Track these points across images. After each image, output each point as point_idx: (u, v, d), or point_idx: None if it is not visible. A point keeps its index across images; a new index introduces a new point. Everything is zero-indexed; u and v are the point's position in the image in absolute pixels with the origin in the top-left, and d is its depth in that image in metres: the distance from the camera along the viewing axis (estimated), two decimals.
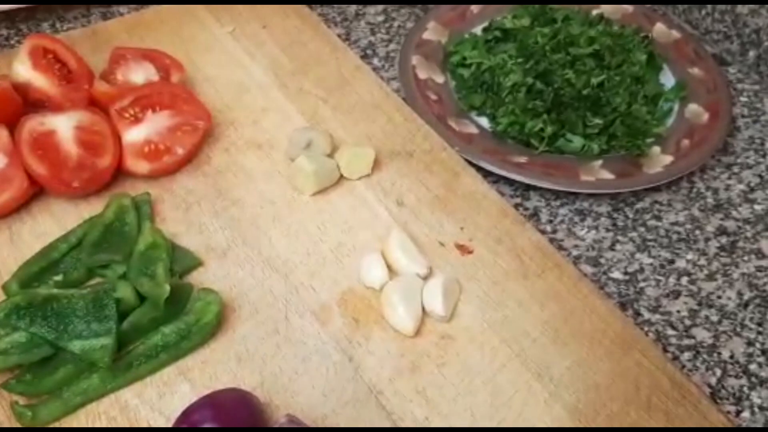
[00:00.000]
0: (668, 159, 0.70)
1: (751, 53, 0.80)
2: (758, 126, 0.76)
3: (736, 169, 0.72)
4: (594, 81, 0.72)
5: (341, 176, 0.65)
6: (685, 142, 0.71)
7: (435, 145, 0.69)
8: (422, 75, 0.76)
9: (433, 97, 0.74)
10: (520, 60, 0.74)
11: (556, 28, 0.77)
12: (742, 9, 0.79)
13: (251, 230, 0.61)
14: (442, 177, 0.66)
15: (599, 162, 0.69)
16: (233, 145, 0.67)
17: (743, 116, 0.77)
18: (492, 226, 0.63)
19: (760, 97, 0.79)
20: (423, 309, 0.56)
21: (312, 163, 0.63)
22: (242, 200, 0.63)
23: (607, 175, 0.68)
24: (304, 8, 0.81)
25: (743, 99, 0.79)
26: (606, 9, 0.84)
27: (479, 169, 0.68)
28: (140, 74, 0.68)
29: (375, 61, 0.81)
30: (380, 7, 0.86)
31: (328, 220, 0.62)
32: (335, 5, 0.86)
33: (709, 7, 0.83)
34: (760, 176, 0.72)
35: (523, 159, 0.69)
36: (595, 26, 0.79)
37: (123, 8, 0.83)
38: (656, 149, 0.71)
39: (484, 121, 0.73)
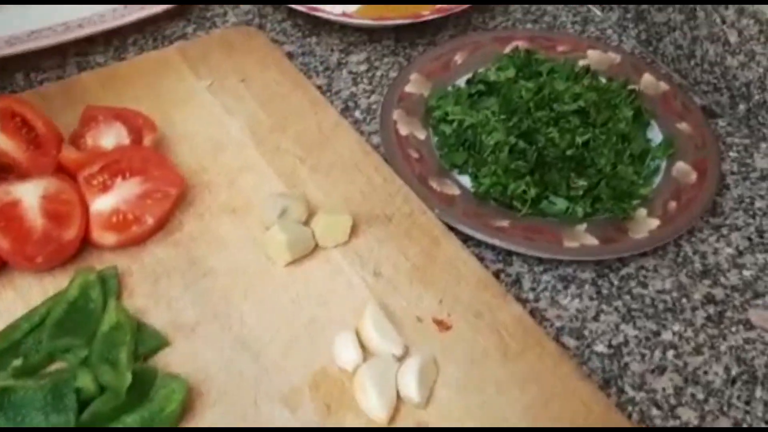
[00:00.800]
0: (654, 223, 0.68)
1: (741, 106, 0.79)
2: (748, 183, 0.75)
3: (724, 231, 0.71)
4: (579, 140, 0.71)
5: (317, 245, 0.63)
6: (672, 204, 0.70)
7: (415, 208, 0.67)
8: (404, 131, 0.74)
9: (415, 154, 0.72)
10: (503, 117, 0.72)
11: (540, 82, 0.76)
12: (732, 61, 0.77)
13: (222, 304, 0.59)
14: (422, 243, 0.64)
15: (583, 226, 0.68)
16: (207, 210, 0.65)
17: (732, 173, 0.76)
18: (472, 298, 0.61)
19: (750, 152, 0.77)
20: (398, 393, 0.54)
21: (286, 232, 0.61)
22: (214, 270, 0.61)
23: (592, 241, 0.66)
24: (284, 60, 0.79)
25: (732, 154, 0.77)
26: (593, 59, 0.82)
27: (460, 233, 0.66)
28: (111, 137, 0.66)
29: (357, 113, 0.79)
30: (363, 56, 0.85)
31: (302, 292, 0.60)
32: (318, 56, 0.84)
33: (698, 57, 0.81)
34: (749, 239, 0.70)
35: (505, 223, 0.67)
36: (581, 80, 0.77)
37: (100, 57, 0.82)
38: (642, 212, 0.69)
39: (466, 180, 0.72)
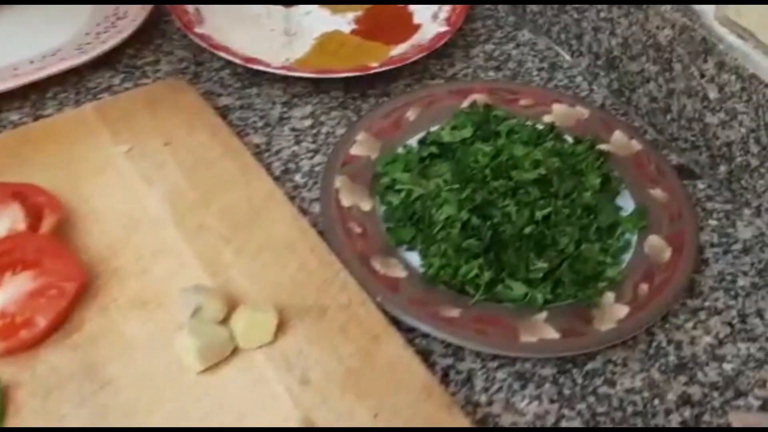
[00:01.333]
0: (623, 310, 0.60)
1: (722, 167, 0.71)
2: (729, 258, 0.67)
3: (702, 316, 0.63)
4: (539, 214, 0.63)
5: (237, 347, 0.55)
6: (644, 287, 0.62)
7: (353, 297, 0.59)
8: (346, 201, 0.66)
9: (357, 229, 0.65)
10: (455, 186, 0.65)
11: (498, 145, 0.68)
12: (712, 119, 0.70)
13: (123, 421, 0.51)
14: (359, 342, 0.56)
15: (543, 315, 0.60)
16: (114, 303, 0.58)
17: (712, 245, 0.68)
18: (413, 411, 0.53)
19: (732, 220, 0.70)
20: None
21: (197, 336, 0.53)
22: (116, 380, 0.53)
23: (552, 334, 0.59)
24: (215, 119, 0.71)
25: (713, 222, 0.70)
26: (558, 114, 0.74)
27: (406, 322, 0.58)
28: (5, 221, 0.58)
29: (297, 177, 0.71)
30: (308, 109, 0.77)
31: (216, 406, 0.52)
32: (257, 110, 0.76)
33: (675, 112, 0.73)
34: (731, 324, 0.62)
35: (455, 312, 0.60)
36: (544, 141, 0.70)
37: (15, 114, 0.74)
38: (609, 297, 0.61)
39: (414, 257, 0.64)
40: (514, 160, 0.66)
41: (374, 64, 0.75)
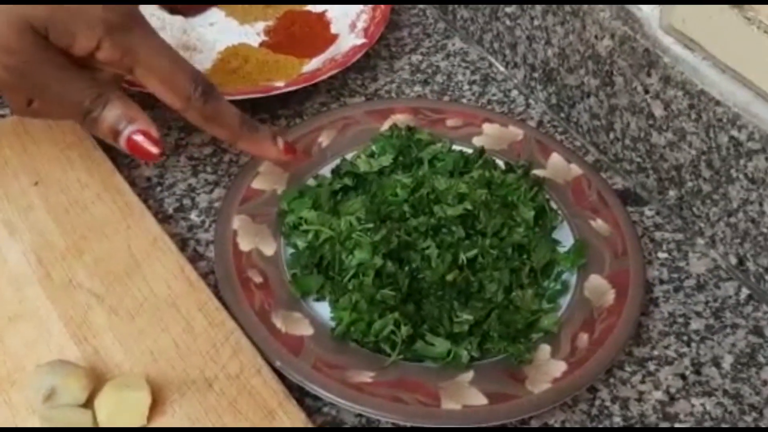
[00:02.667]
0: (561, 367, 0.53)
1: (671, 192, 0.64)
2: (681, 296, 0.60)
3: (652, 367, 0.56)
4: (463, 257, 0.55)
5: None
6: (584, 337, 0.54)
7: (247, 364, 0.50)
8: (246, 245, 0.58)
9: (257, 279, 0.56)
10: (369, 226, 0.56)
11: (419, 177, 0.60)
12: (659, 139, 0.62)
13: None
14: (252, 420, 0.48)
15: (469, 375, 0.52)
16: None
17: (662, 281, 0.61)
18: None
19: (684, 251, 0.62)
20: None
21: (50, 424, 0.44)
22: None
23: (478, 399, 0.51)
24: (97, 152, 0.62)
25: (662, 255, 0.62)
26: (490, 135, 0.66)
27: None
28: None
29: (193, 214, 0.62)
30: (207, 136, 0.68)
31: None
32: None
33: (618, 130, 0.66)
34: (683, 377, 0.55)
35: (368, 376, 0.51)
36: (471, 169, 0.61)
37: None
38: (545, 350, 0.54)
39: (324, 309, 0.55)
40: (436, 193, 0.58)
41: (279, 83, 0.66)
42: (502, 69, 0.75)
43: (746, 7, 0.55)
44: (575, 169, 0.65)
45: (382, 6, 0.72)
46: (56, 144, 0.62)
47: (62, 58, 0.50)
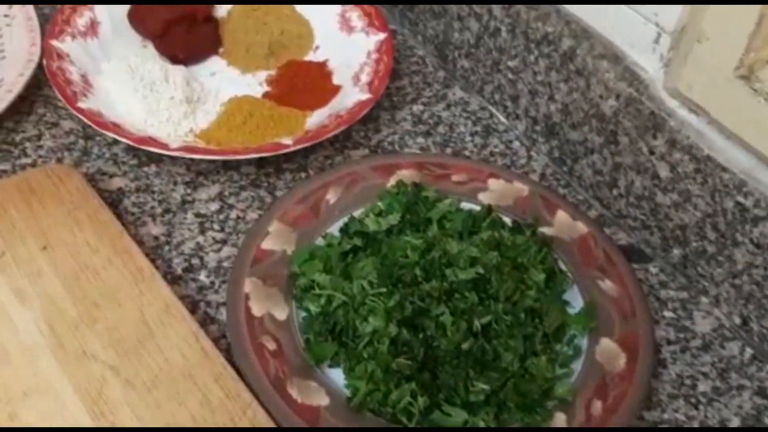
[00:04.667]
0: None
1: (676, 251, 0.65)
2: (688, 357, 0.61)
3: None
4: (477, 324, 0.55)
5: None
6: (597, 404, 0.55)
7: None
8: (258, 309, 0.58)
9: (271, 345, 0.56)
10: (382, 290, 0.56)
11: (429, 238, 0.60)
12: (664, 199, 0.63)
13: None
14: None
15: None
16: None
17: (669, 342, 0.61)
18: None
19: (689, 310, 0.63)
20: None
21: None
22: None
23: None
24: (104, 212, 0.61)
25: (668, 314, 0.63)
26: (495, 191, 0.67)
27: None
28: None
29: (202, 275, 0.62)
30: (214, 190, 0.68)
31: None
32: (156, 192, 0.67)
33: (623, 187, 0.67)
34: None
35: None
36: (480, 228, 0.62)
37: None
38: (560, 418, 0.54)
39: (338, 375, 0.55)
40: (447, 257, 0.58)
41: (287, 141, 0.66)
42: (503, 120, 0.76)
43: (753, 78, 0.56)
44: (581, 227, 0.65)
45: (386, 59, 0.72)
46: (62, 203, 0.61)
47: None
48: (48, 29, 0.72)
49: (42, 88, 0.73)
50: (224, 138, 0.68)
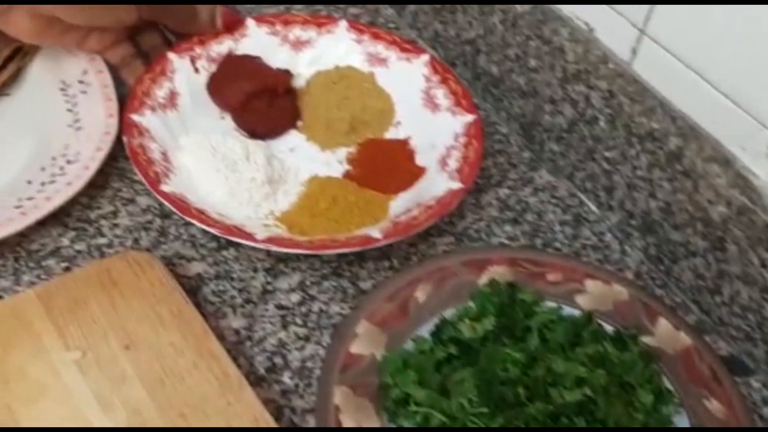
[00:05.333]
0: None
1: None
2: None
3: None
4: None
5: None
6: None
7: None
8: (349, 423, 0.54)
9: None
10: (484, 410, 0.53)
11: (530, 351, 0.57)
12: None
13: None
14: None
15: None
16: None
17: None
18: None
19: None
20: None
21: None
22: None
23: None
24: (189, 309, 0.58)
25: None
26: (593, 293, 0.63)
27: None
28: None
29: (286, 376, 0.59)
30: (295, 278, 0.65)
31: None
32: (236, 279, 0.64)
33: (726, 296, 0.63)
34: None
35: None
36: (581, 338, 0.59)
37: None
38: None
39: None
40: (552, 375, 0.55)
41: (376, 234, 0.63)
42: (594, 209, 0.73)
43: None
44: (684, 338, 0.62)
45: (475, 144, 0.69)
46: (145, 297, 0.58)
47: None
48: (127, 101, 0.68)
49: (117, 160, 0.70)
50: (308, 225, 0.65)
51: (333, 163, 0.72)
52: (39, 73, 0.73)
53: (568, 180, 0.74)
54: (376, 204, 0.68)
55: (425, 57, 0.75)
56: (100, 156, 0.66)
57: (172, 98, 0.71)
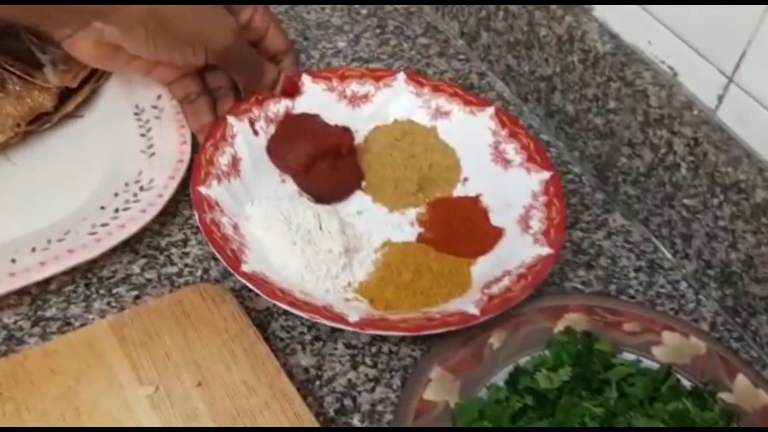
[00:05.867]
0: None
1: None
2: None
3: None
4: None
5: None
6: None
7: None
8: None
9: None
10: None
11: (610, 406, 0.55)
12: None
13: None
14: None
15: None
16: None
17: None
18: None
19: None
20: None
21: None
22: None
23: None
24: (262, 346, 0.58)
25: None
26: (671, 346, 0.62)
27: None
28: None
29: (356, 419, 0.58)
30: None
31: None
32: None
33: None
34: None
35: None
36: (660, 393, 0.57)
37: (9, 316, 0.60)
38: None
39: None
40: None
41: (473, 310, 0.59)
42: (669, 256, 0.71)
43: None
44: (763, 396, 0.60)
45: (557, 203, 0.66)
46: (218, 333, 0.58)
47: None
48: (193, 172, 0.64)
49: (188, 186, 0.69)
50: (393, 298, 0.62)
51: (404, 226, 0.69)
52: (113, 96, 0.73)
53: (642, 224, 0.73)
54: (458, 271, 0.65)
55: (490, 109, 0.72)
56: (174, 184, 0.66)
57: (235, 164, 0.67)
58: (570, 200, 0.74)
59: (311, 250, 0.62)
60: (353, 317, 0.58)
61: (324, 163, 0.68)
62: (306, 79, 0.73)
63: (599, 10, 0.73)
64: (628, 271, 0.70)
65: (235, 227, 0.63)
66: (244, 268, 0.59)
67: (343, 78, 0.74)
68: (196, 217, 0.61)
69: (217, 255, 0.59)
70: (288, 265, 0.62)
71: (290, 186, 0.69)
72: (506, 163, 0.70)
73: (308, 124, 0.70)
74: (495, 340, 0.61)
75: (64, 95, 0.71)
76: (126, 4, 0.59)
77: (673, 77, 0.68)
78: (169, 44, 0.62)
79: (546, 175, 0.68)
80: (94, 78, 0.72)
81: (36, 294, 0.62)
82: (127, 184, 0.66)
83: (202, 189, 0.63)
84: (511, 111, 0.81)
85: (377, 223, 0.68)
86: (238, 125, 0.68)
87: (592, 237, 0.72)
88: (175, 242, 0.67)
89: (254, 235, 0.63)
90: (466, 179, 0.71)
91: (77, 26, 0.60)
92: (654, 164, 0.69)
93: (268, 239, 0.63)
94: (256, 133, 0.69)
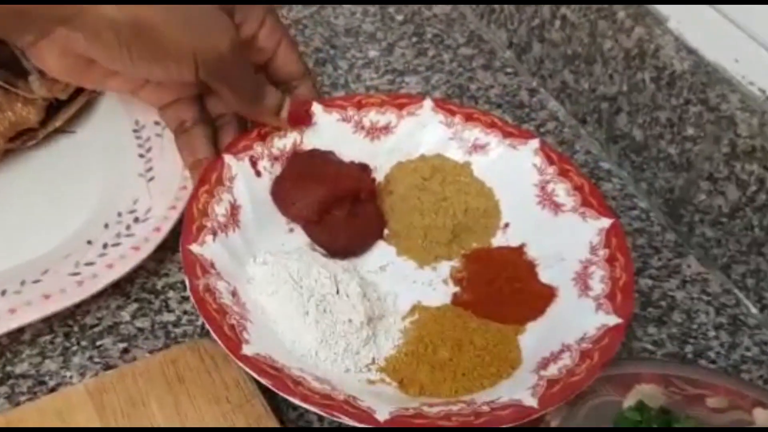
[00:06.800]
0: None
1: None
2: None
3: None
4: None
5: None
6: None
7: None
8: None
9: None
10: None
11: None
12: None
13: None
14: None
15: None
16: None
17: None
18: None
19: None
20: None
21: None
22: None
23: None
24: (269, 418, 0.48)
25: None
26: (764, 423, 0.51)
27: None
28: None
29: None
30: None
31: None
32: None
33: None
34: None
35: None
36: None
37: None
38: None
39: None
40: None
41: (531, 403, 0.47)
42: (754, 311, 0.60)
43: None
44: None
45: (621, 258, 0.54)
46: (218, 402, 0.48)
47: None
48: (183, 225, 0.52)
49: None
50: (428, 382, 0.50)
51: (437, 284, 0.57)
52: (109, 109, 0.64)
53: (722, 272, 0.62)
54: (505, 343, 0.53)
55: (534, 143, 0.60)
56: (175, 215, 0.56)
57: (234, 214, 0.55)
58: (636, 241, 0.64)
59: (327, 320, 0.51)
60: (382, 413, 0.46)
61: (340, 211, 0.57)
62: (317, 109, 0.60)
63: (674, 22, 0.63)
64: (707, 328, 0.59)
65: (234, 293, 0.51)
66: (246, 350, 0.47)
67: (360, 106, 0.62)
68: (187, 283, 0.49)
69: (213, 335, 0.47)
70: (299, 340, 0.50)
71: (300, 236, 0.57)
72: (556, 207, 0.58)
73: (320, 162, 0.58)
74: (552, 417, 0.50)
75: (53, 108, 0.61)
76: (91, 3, 0.47)
77: (764, 101, 0.58)
78: (149, 55, 0.50)
79: (606, 222, 0.56)
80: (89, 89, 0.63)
81: (6, 344, 0.52)
82: (120, 214, 0.57)
83: (195, 248, 0.51)
84: (565, 133, 0.70)
85: (404, 281, 0.57)
86: (237, 166, 0.56)
87: (663, 286, 0.61)
88: (173, 284, 0.57)
89: (257, 302, 0.52)
90: (506, 225, 0.60)
91: (38, 32, 0.48)
92: (740, 203, 0.58)
93: (273, 307, 0.51)
94: (258, 174, 0.58)
